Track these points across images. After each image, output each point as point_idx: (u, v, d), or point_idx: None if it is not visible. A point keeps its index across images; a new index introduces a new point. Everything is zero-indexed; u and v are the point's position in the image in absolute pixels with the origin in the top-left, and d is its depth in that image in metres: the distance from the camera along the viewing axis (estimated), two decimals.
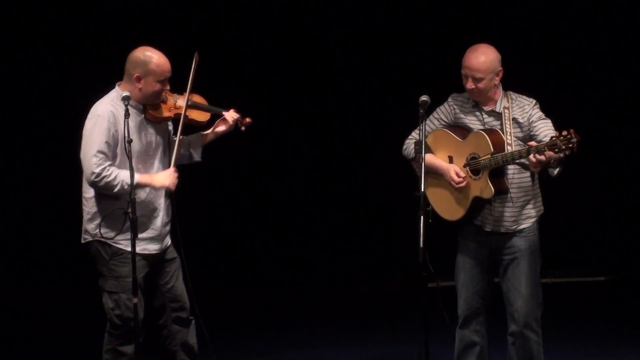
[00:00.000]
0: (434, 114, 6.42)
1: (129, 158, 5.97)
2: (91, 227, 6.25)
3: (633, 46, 10.59)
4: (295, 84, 10.66)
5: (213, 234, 10.52)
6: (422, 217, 5.75)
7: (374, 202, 10.81)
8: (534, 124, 6.22)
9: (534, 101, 6.32)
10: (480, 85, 6.20)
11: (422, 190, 5.83)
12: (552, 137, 5.91)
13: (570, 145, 5.85)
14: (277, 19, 10.61)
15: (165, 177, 6.21)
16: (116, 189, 6.10)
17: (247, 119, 6.49)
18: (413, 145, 6.33)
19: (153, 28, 10.08)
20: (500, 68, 6.26)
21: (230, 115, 6.45)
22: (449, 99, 6.44)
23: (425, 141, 6.19)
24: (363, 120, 10.71)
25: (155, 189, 6.23)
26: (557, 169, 6.07)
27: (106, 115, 6.15)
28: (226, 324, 9.08)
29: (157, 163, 6.33)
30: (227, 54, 10.42)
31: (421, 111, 6.03)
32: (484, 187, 6.16)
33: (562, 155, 5.90)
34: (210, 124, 6.48)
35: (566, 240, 10.75)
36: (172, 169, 6.23)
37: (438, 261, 5.97)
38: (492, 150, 6.13)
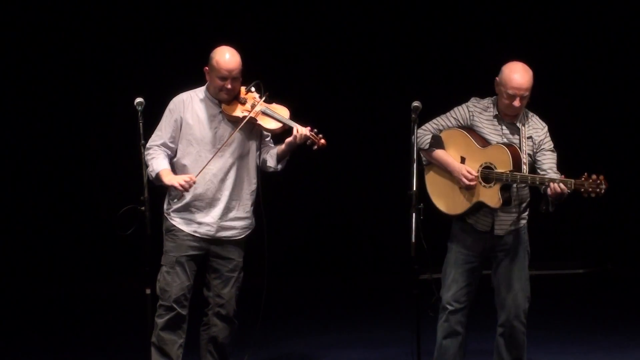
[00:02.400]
0: (452, 112, 6.51)
1: (142, 160, 6.35)
2: (165, 203, 6.64)
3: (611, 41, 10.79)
4: (296, 87, 10.88)
5: None
6: (414, 214, 5.99)
7: (370, 199, 10.90)
8: (544, 152, 6.40)
9: (546, 126, 6.49)
10: (524, 102, 6.36)
11: (414, 189, 6.05)
12: (581, 177, 6.10)
13: (598, 190, 6.06)
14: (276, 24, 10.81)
15: (173, 177, 6.45)
16: (148, 170, 6.46)
17: (322, 141, 6.50)
18: (428, 138, 6.45)
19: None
20: None
21: (299, 131, 6.47)
22: (469, 103, 6.52)
23: (439, 135, 6.43)
24: (356, 122, 10.84)
25: (165, 185, 6.47)
26: (555, 207, 6.30)
27: (175, 101, 6.57)
28: None
29: (227, 158, 6.54)
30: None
31: (413, 116, 6.23)
32: (492, 196, 6.33)
33: (585, 196, 6.10)
34: (284, 135, 6.56)
35: (548, 234, 10.67)
36: (192, 176, 6.42)
37: (432, 255, 6.21)
38: (512, 167, 6.30)
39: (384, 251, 10.82)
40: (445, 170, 6.47)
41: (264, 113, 6.54)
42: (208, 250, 6.62)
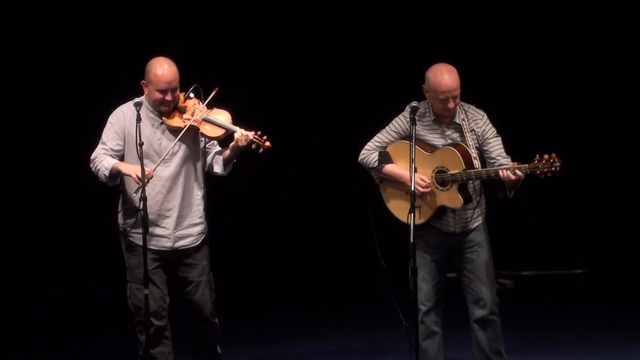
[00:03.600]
0: (391, 125, 6.54)
1: (140, 160, 6.27)
2: (118, 219, 6.58)
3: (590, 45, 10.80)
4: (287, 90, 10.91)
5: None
6: (412, 214, 6.00)
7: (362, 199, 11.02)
8: (489, 141, 6.43)
9: (484, 114, 6.51)
10: (457, 100, 6.39)
11: (412, 189, 6.05)
12: (534, 160, 6.13)
13: (553, 169, 6.10)
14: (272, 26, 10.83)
15: (130, 167, 6.36)
16: (99, 174, 6.41)
17: (267, 144, 6.45)
18: (375, 156, 6.49)
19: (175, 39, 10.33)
20: None
21: (242, 135, 6.43)
22: (406, 113, 6.49)
23: (386, 151, 6.45)
24: (356, 122, 10.59)
25: (123, 174, 6.38)
26: (513, 192, 6.31)
27: (116, 114, 6.53)
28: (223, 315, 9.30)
29: (173, 167, 6.51)
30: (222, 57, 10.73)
31: (412, 116, 6.25)
32: (453, 198, 6.36)
33: (542, 177, 6.13)
34: (229, 140, 6.53)
35: (545, 235, 10.95)
36: (149, 167, 6.33)
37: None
38: (464, 166, 6.33)
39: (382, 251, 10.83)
40: (399, 184, 6.48)
41: (206, 120, 6.51)
42: (172, 261, 6.60)
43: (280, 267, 11.03)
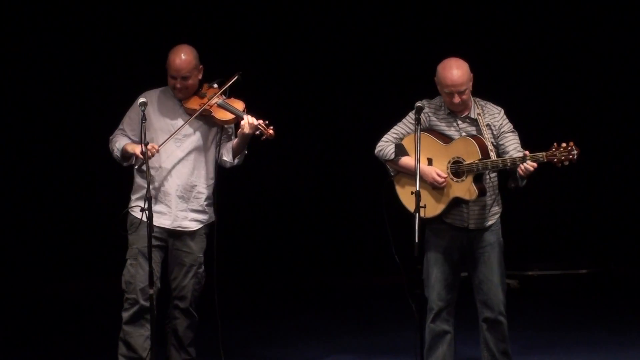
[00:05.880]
0: (408, 118, 6.53)
1: (145, 161, 6.37)
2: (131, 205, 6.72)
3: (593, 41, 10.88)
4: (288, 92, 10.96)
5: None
6: (417, 214, 6.00)
7: (367, 200, 10.88)
8: (505, 135, 6.44)
9: (502, 110, 6.54)
10: (464, 96, 6.39)
11: (417, 189, 6.06)
12: (551, 148, 6.12)
13: (570, 157, 6.08)
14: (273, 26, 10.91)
15: (136, 146, 6.58)
16: (113, 153, 6.67)
17: (270, 132, 6.65)
18: (392, 148, 6.51)
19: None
20: (472, 74, 6.47)
21: (247, 120, 6.62)
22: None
23: (401, 143, 6.47)
24: (361, 122, 10.89)
25: (131, 154, 6.59)
26: (525, 181, 6.30)
27: (141, 95, 6.69)
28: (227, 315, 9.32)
29: (184, 149, 6.67)
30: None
31: (416, 116, 6.26)
32: (467, 189, 6.35)
33: (559, 166, 6.11)
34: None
35: (550, 235, 11.01)
36: (154, 144, 6.54)
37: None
38: (480, 156, 6.33)
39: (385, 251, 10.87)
40: (414, 176, 6.40)
41: (219, 106, 6.72)
42: (167, 243, 6.68)
43: (286, 266, 11.07)
